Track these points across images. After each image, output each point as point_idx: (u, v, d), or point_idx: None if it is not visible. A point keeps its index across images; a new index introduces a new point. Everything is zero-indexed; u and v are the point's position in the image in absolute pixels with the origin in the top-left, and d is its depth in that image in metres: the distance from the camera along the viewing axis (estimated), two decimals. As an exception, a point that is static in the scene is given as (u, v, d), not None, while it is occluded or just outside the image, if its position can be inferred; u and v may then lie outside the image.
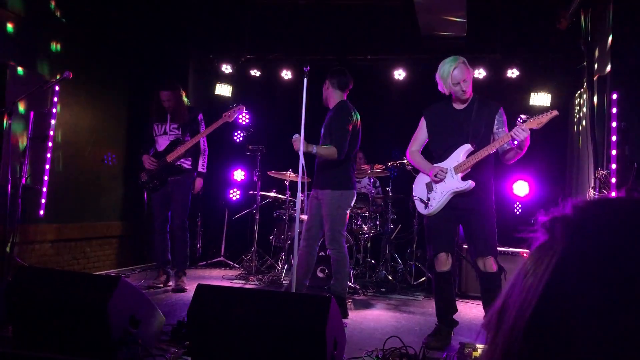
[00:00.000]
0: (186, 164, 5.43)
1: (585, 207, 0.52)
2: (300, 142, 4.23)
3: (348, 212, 4.62)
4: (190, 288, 5.15)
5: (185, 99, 5.47)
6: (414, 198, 3.97)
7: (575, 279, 0.46)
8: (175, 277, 5.48)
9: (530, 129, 3.48)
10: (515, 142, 3.56)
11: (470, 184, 3.65)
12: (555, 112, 3.52)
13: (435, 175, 3.73)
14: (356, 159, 4.83)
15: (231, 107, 5.35)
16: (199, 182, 5.55)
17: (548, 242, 0.51)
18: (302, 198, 4.70)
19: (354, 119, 4.60)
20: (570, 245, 0.49)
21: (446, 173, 3.72)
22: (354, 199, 4.66)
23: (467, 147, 3.70)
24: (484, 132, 3.72)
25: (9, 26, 5.13)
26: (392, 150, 6.89)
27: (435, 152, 3.90)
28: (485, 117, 3.74)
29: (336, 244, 4.52)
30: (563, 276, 0.46)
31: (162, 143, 5.42)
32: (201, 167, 5.52)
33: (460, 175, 3.68)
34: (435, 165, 3.80)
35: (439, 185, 3.76)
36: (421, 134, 3.99)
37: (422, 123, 3.98)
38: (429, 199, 3.81)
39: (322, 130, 4.67)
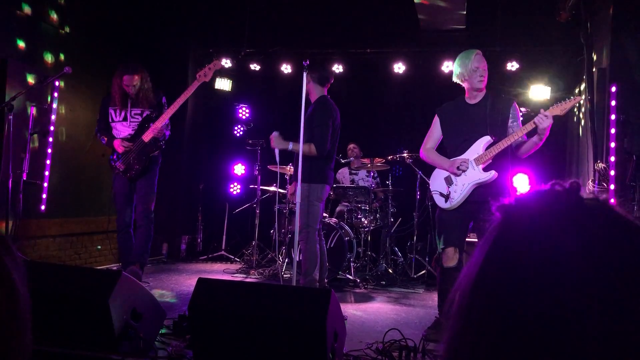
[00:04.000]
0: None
1: (520, 198, 0.67)
2: (276, 140, 4.39)
3: (320, 205, 4.59)
4: (191, 282, 5.16)
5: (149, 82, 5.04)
6: (433, 192, 3.91)
7: (502, 252, 0.63)
8: (130, 272, 4.84)
9: (554, 116, 3.48)
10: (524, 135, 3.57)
11: (493, 174, 3.63)
12: (579, 98, 3.54)
13: (458, 168, 3.68)
14: (335, 154, 4.78)
15: (205, 65, 4.98)
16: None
17: (493, 223, 0.67)
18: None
19: (334, 115, 4.59)
20: (502, 227, 0.65)
21: (468, 164, 3.70)
22: (326, 192, 4.65)
23: (487, 139, 3.68)
24: (501, 124, 3.72)
25: (9, 22, 5.13)
26: (398, 148, 6.84)
27: (451, 147, 3.87)
28: (500, 110, 3.74)
29: (305, 237, 4.51)
30: (495, 250, 0.64)
31: (122, 130, 5.00)
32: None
33: (481, 166, 3.67)
34: (454, 158, 3.76)
35: (460, 178, 3.72)
36: (435, 132, 3.95)
37: (436, 121, 3.95)
38: (449, 193, 3.77)
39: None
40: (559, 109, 3.53)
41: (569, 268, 0.58)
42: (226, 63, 7.90)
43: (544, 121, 3.45)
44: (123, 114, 5.01)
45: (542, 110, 3.51)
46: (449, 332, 0.66)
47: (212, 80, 7.94)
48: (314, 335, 2.55)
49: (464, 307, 0.64)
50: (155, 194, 5.14)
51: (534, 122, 3.49)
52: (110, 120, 5.03)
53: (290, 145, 4.39)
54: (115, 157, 5.04)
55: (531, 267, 0.59)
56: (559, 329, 0.56)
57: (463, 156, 3.75)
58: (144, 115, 5.02)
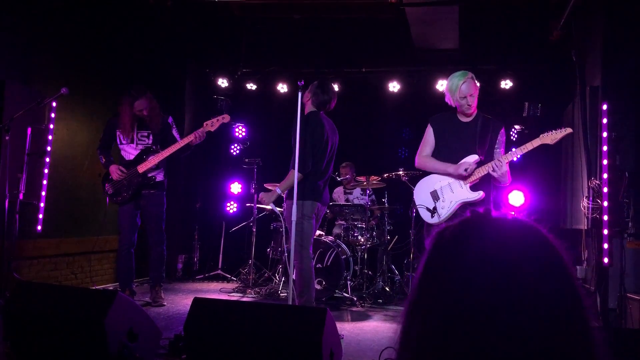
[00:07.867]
0: (159, 176, 5.21)
1: (450, 226, 0.86)
2: (266, 198, 4.35)
3: (311, 222, 4.35)
4: (187, 302, 5.15)
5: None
6: (418, 206, 3.89)
7: (432, 263, 0.84)
8: (151, 291, 5.36)
9: (543, 144, 3.61)
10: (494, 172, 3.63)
11: (481, 194, 3.67)
12: (569, 130, 3.61)
13: (465, 170, 3.65)
14: (324, 169, 4.46)
15: (214, 116, 5.08)
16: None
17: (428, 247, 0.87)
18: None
19: (318, 131, 4.36)
20: (431, 249, 0.85)
21: (473, 166, 3.69)
22: (315, 209, 4.38)
23: (475, 158, 3.71)
24: (488, 146, 3.77)
25: (6, 43, 5.18)
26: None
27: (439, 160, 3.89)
28: (489, 133, 3.78)
29: (297, 256, 4.28)
30: (427, 267, 0.84)
31: (131, 151, 5.16)
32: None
33: (469, 185, 3.70)
34: (461, 162, 3.71)
35: (447, 195, 3.74)
36: (431, 140, 3.94)
37: (430, 130, 3.96)
38: (435, 208, 3.78)
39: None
40: (549, 138, 3.62)
41: (474, 269, 0.77)
42: (222, 83, 7.98)
43: (499, 169, 3.58)
44: (130, 136, 5.15)
45: (497, 162, 3.61)
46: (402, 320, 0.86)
47: (209, 100, 7.99)
48: (310, 354, 2.56)
49: (410, 304, 0.84)
50: (165, 214, 5.33)
51: (492, 166, 3.62)
52: (118, 142, 5.20)
53: (278, 190, 4.29)
54: (108, 178, 5.19)
55: (455, 270, 0.79)
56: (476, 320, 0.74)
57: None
58: (150, 138, 5.16)
